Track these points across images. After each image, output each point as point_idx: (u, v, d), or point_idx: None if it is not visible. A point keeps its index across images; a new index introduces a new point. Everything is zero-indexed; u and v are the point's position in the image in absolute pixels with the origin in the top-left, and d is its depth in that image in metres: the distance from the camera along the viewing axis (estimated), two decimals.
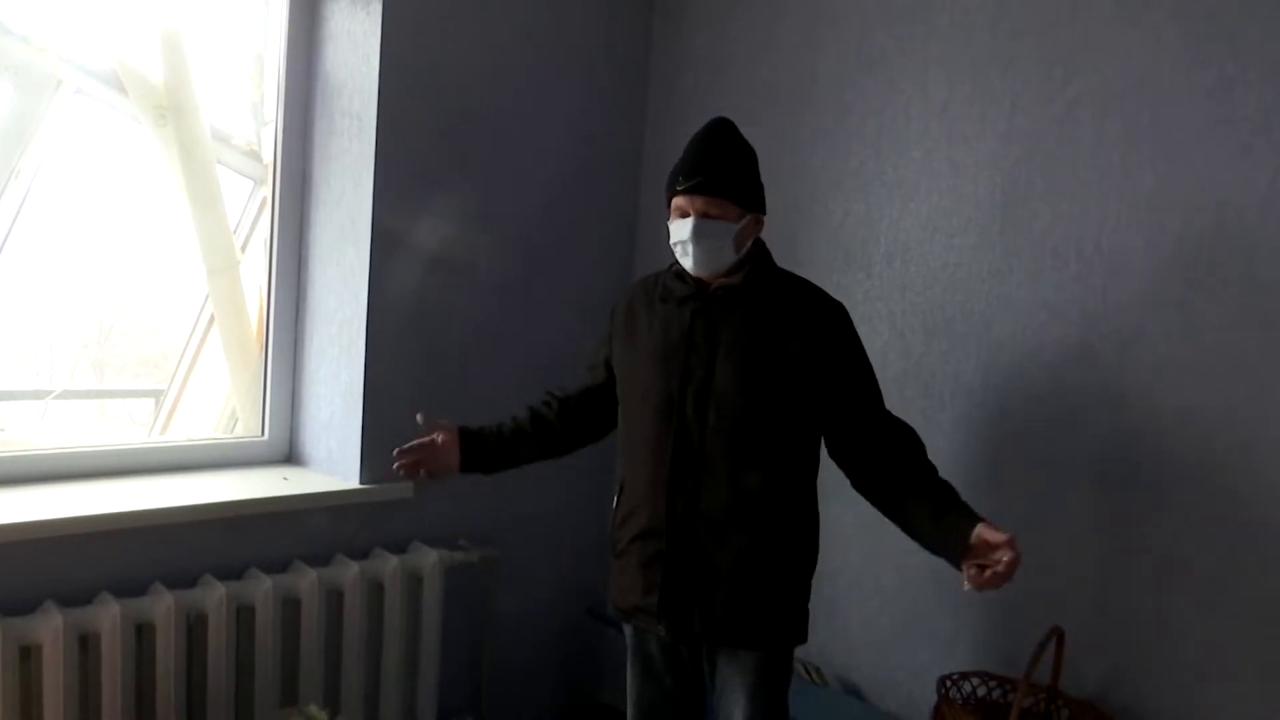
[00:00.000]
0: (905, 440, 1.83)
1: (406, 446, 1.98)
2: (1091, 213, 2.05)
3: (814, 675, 2.47)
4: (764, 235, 2.27)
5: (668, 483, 1.80)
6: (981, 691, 2.13)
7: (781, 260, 2.42)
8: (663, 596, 1.82)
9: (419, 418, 2.00)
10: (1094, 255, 2.05)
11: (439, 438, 1.99)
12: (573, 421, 2.05)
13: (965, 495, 2.24)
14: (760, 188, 1.84)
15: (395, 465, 1.98)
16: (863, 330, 2.41)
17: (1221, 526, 1.89)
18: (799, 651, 2.54)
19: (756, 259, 1.84)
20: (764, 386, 1.77)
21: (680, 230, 1.77)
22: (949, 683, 2.12)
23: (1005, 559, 1.58)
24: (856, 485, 1.87)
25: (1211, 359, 1.90)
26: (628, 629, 1.99)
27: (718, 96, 2.73)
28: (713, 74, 2.75)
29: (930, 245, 2.31)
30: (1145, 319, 1.98)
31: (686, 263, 1.80)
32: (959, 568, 1.66)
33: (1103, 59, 2.03)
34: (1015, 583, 2.16)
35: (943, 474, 2.28)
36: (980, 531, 1.64)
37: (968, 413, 2.25)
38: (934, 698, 2.13)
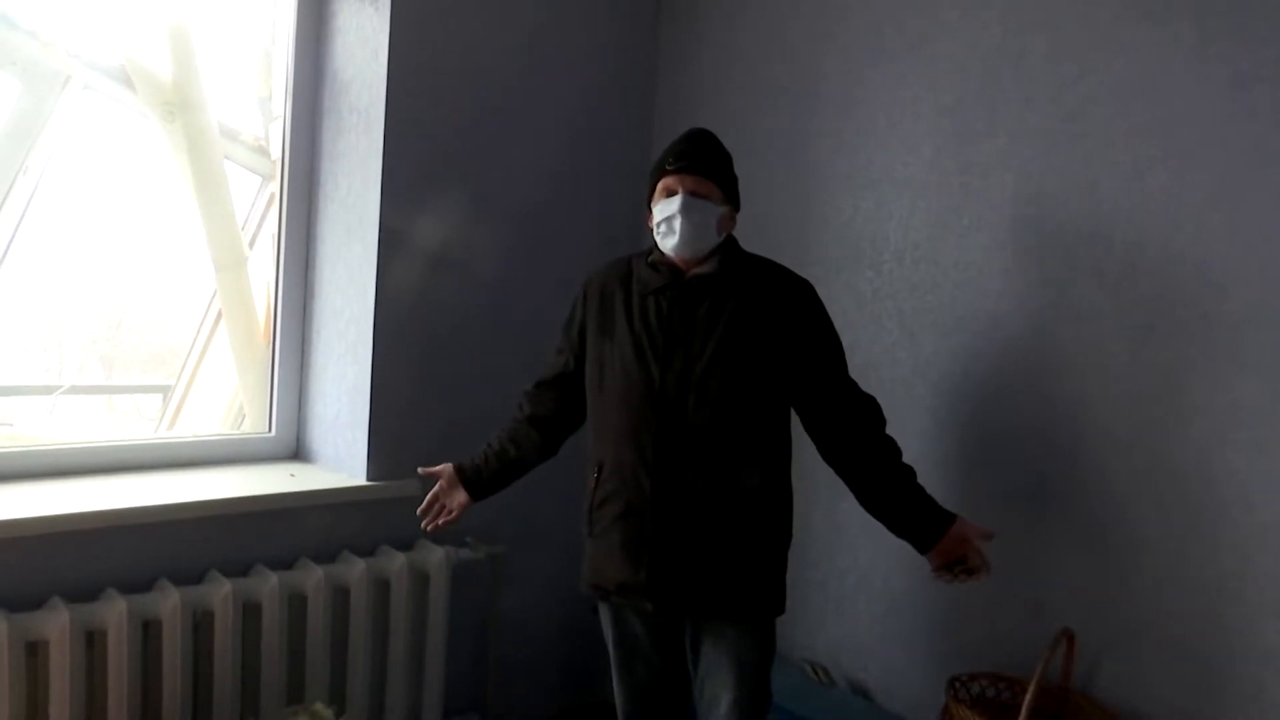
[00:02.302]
0: (868, 413, 1.92)
1: (424, 509, 2.10)
2: (1104, 210, 2.03)
3: (822, 676, 2.46)
4: (773, 230, 2.26)
5: (653, 464, 1.85)
6: (991, 692, 2.12)
7: (790, 257, 2.41)
8: (651, 574, 1.87)
9: (420, 471, 2.13)
10: (1106, 252, 2.03)
11: (441, 485, 2.10)
12: (553, 428, 2.09)
13: (974, 497, 2.23)
14: (737, 184, 1.94)
15: (427, 526, 2.11)
16: (871, 329, 2.41)
17: (1232, 527, 1.87)
18: (807, 653, 2.54)
19: (726, 248, 1.92)
20: (742, 368, 1.84)
21: (667, 207, 1.85)
22: (958, 684, 2.11)
23: (978, 560, 1.85)
24: (825, 455, 1.94)
25: (1223, 357, 1.88)
26: (605, 611, 2.03)
27: (725, 93, 2.72)
28: (720, 70, 2.74)
29: (940, 243, 2.29)
30: (1158, 317, 1.96)
31: (670, 242, 1.85)
32: (924, 552, 1.89)
33: (1115, 55, 2.01)
34: (1025, 584, 2.16)
35: (953, 476, 2.28)
36: (961, 529, 1.86)
37: (977, 413, 2.24)
38: (943, 698, 2.12)
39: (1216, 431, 1.89)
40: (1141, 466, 1.99)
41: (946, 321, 2.28)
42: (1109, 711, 2.00)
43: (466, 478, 2.07)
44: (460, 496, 2.08)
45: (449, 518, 2.09)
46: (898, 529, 1.90)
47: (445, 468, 2.09)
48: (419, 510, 2.09)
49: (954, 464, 2.28)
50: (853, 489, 1.93)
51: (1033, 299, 2.14)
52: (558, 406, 2.06)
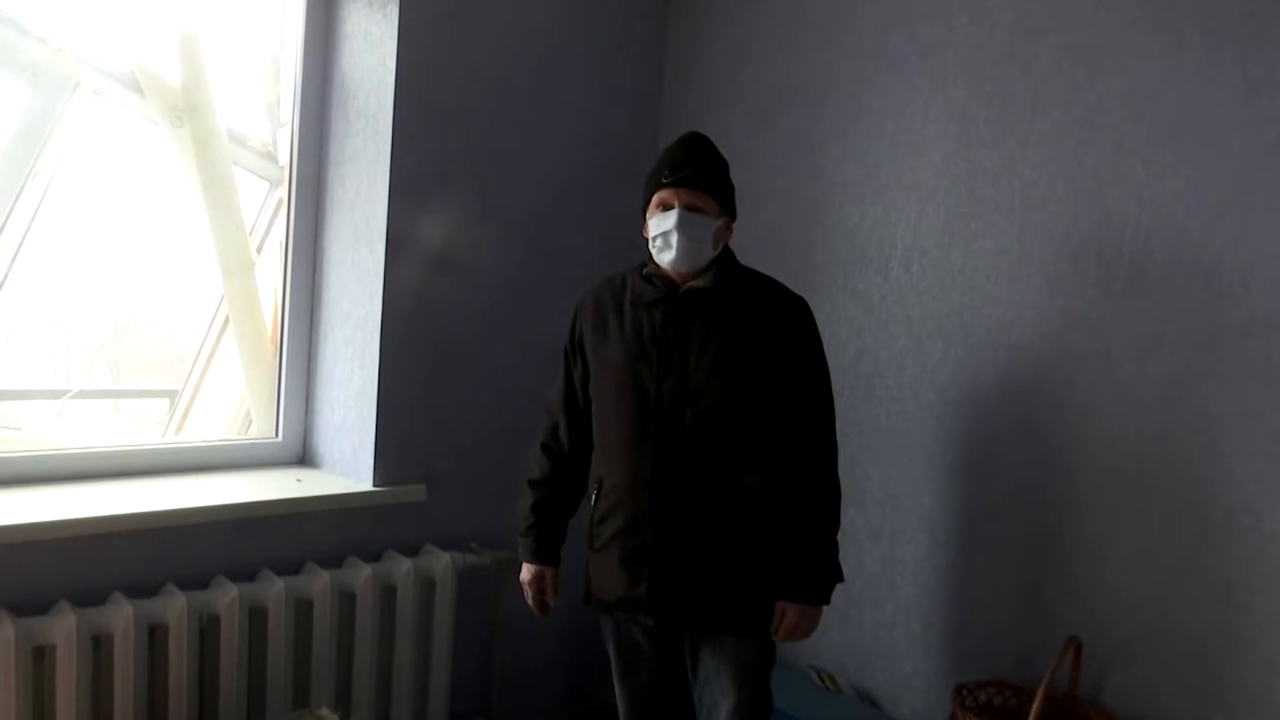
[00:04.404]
0: (821, 464, 1.89)
1: (535, 606, 2.09)
2: (1113, 217, 2.02)
3: (828, 682, 2.45)
4: (780, 235, 2.25)
5: (650, 479, 1.84)
6: (997, 700, 2.11)
7: (797, 262, 2.41)
8: (650, 589, 1.87)
9: (535, 611, 2.10)
10: (1115, 260, 2.02)
11: (535, 585, 2.07)
12: (576, 465, 2.04)
13: (981, 504, 2.23)
14: (734, 193, 1.91)
15: (544, 616, 2.11)
16: (879, 335, 2.40)
17: (1241, 536, 1.86)
18: (813, 659, 2.53)
19: (722, 261, 1.89)
20: (737, 381, 1.83)
21: (664, 222, 1.83)
22: (965, 692, 2.10)
23: (777, 630, 1.89)
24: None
25: (1233, 366, 1.87)
26: (607, 623, 2.04)
27: (734, 96, 2.72)
28: (729, 74, 2.74)
29: (948, 249, 2.28)
30: (1167, 325, 1.95)
31: (666, 256, 1.84)
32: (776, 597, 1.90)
33: (1125, 60, 2.00)
34: (1033, 592, 2.14)
35: (959, 482, 2.27)
36: (777, 604, 1.88)
37: (985, 420, 2.23)
38: (950, 706, 2.11)
39: (1225, 440, 1.88)
40: (1149, 475, 1.98)
41: (954, 328, 2.27)
42: None
43: (546, 558, 2.04)
44: (548, 573, 2.05)
45: (554, 592, 2.07)
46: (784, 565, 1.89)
47: (532, 576, 2.04)
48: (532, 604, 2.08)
49: (961, 470, 2.27)
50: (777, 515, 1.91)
51: (1040, 306, 2.13)
52: (575, 442, 2.02)
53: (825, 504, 1.89)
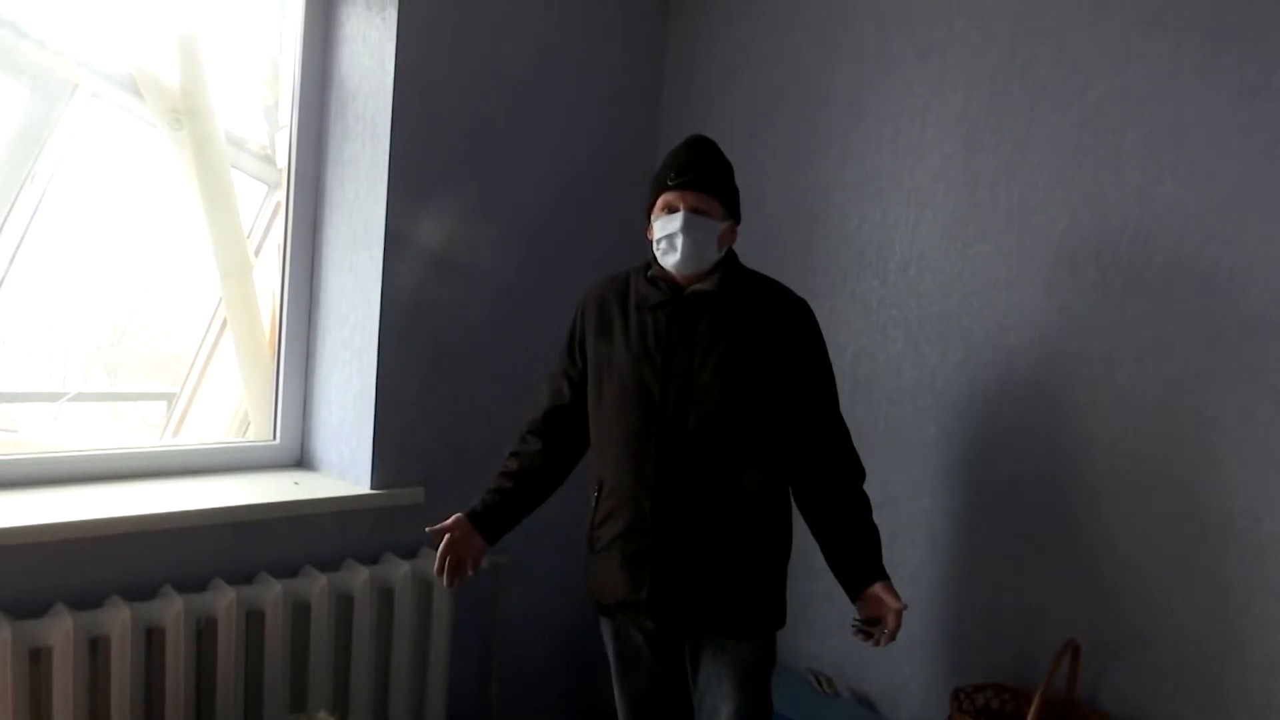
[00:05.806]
0: (846, 466, 1.90)
1: (440, 566, 1.92)
2: (1111, 220, 2.02)
3: (826, 686, 2.45)
4: (779, 238, 2.23)
5: (652, 482, 1.84)
6: (995, 704, 2.11)
7: (796, 265, 2.41)
8: (651, 592, 1.86)
9: (427, 530, 1.96)
10: (1113, 263, 2.02)
11: (453, 535, 1.93)
12: (560, 458, 2.02)
13: (980, 507, 2.23)
14: (739, 197, 1.91)
15: (449, 586, 1.95)
16: (876, 339, 2.40)
17: (1240, 539, 1.86)
18: (812, 662, 2.53)
19: (727, 264, 1.89)
20: (741, 385, 1.82)
21: (668, 225, 1.82)
22: (962, 695, 2.09)
23: (887, 629, 1.79)
24: (797, 497, 1.94)
25: (1231, 369, 1.87)
26: (606, 624, 2.03)
27: (733, 99, 2.72)
28: (728, 76, 2.74)
29: (946, 253, 2.28)
30: (1166, 327, 1.95)
31: (671, 259, 1.83)
32: (852, 598, 1.87)
33: (1124, 64, 2.01)
34: (1031, 595, 2.14)
35: (958, 486, 2.27)
36: (877, 591, 1.82)
37: (983, 423, 2.23)
38: (947, 710, 2.11)
39: (1224, 442, 1.88)
40: (1149, 476, 1.98)
41: (952, 332, 2.28)
42: None
43: (479, 520, 1.96)
44: (477, 542, 1.95)
45: (473, 570, 1.96)
46: (840, 575, 1.89)
47: (455, 518, 1.94)
48: (435, 570, 1.93)
49: (960, 473, 2.27)
50: (813, 531, 1.92)
51: (1039, 309, 2.13)
52: (563, 436, 2.01)
53: (859, 487, 1.90)
